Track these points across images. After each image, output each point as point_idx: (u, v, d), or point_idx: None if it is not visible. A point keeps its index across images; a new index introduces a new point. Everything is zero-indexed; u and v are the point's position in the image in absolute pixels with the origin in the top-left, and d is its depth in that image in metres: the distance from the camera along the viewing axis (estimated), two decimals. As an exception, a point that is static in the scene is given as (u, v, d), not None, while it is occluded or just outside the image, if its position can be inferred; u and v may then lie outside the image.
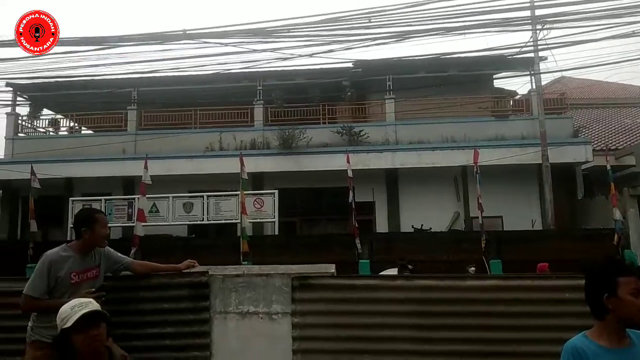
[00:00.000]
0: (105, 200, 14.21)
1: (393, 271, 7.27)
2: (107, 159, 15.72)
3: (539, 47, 14.07)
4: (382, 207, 15.57)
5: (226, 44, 11.69)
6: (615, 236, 10.27)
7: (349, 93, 16.79)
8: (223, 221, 13.70)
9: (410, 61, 15.51)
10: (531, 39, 14.02)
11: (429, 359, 3.44)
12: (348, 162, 12.19)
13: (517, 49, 14.29)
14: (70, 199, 14.38)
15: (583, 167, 15.20)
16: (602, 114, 20.95)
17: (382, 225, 15.32)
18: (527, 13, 13.20)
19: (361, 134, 15.64)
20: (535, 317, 3.44)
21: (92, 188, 15.73)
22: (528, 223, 14.30)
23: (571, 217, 14.75)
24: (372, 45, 11.62)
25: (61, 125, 19.04)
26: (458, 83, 15.34)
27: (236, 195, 12.50)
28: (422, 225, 14.24)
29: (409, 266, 7.49)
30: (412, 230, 14.22)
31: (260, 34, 11.44)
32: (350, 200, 11.66)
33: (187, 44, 11.10)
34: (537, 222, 14.50)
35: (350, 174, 12.02)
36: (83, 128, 19.31)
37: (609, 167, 11.23)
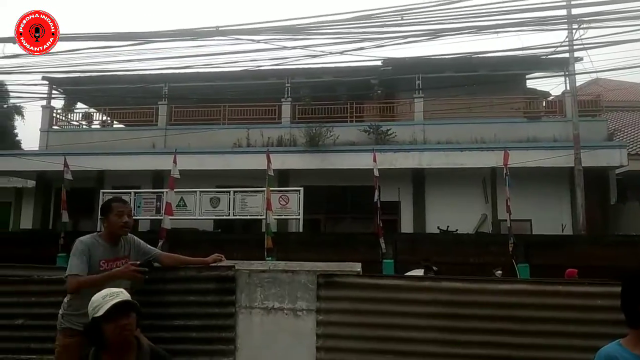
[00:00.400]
0: (135, 193, 14.51)
1: (418, 272, 7.20)
2: (138, 153, 16.02)
3: (575, 47, 13.70)
4: (408, 207, 15.44)
5: (257, 41, 11.75)
6: (651, 243, 9.94)
7: (377, 92, 16.69)
8: (248, 217, 13.84)
9: (440, 60, 15.31)
10: (566, 39, 13.66)
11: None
12: (374, 160, 12.13)
13: (552, 49, 13.94)
14: (101, 191, 14.75)
15: (617, 171, 14.75)
16: (638, 117, 20.27)
17: (407, 225, 15.20)
18: (563, 12, 12.87)
19: (388, 133, 15.54)
20: (565, 323, 3.37)
21: (123, 181, 16.08)
22: (558, 227, 13.97)
23: (603, 223, 14.33)
24: (403, 43, 11.50)
25: (94, 119, 19.54)
26: (489, 83, 15.07)
27: (262, 191, 12.60)
28: (448, 226, 14.06)
29: (434, 267, 7.41)
30: (438, 231, 14.05)
31: (291, 31, 11.46)
32: (375, 200, 11.61)
33: (220, 40, 11.20)
34: (567, 227, 14.15)
35: (376, 173, 11.96)
36: (115, 122, 19.78)
37: (645, 173, 10.87)
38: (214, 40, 11.30)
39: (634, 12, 9.94)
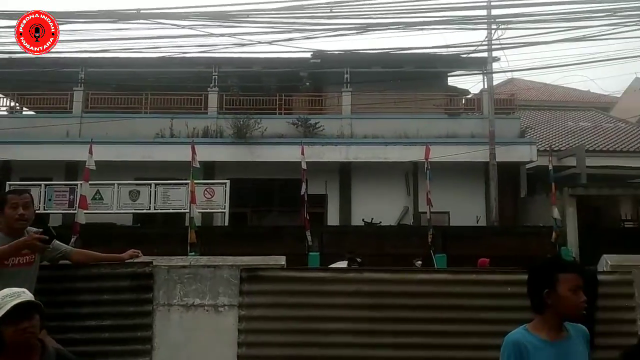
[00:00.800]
0: (45, 185, 13.51)
1: (342, 264, 7.32)
2: (49, 142, 14.90)
3: (493, 47, 14.52)
4: (334, 200, 15.66)
5: (182, 26, 11.34)
6: (553, 234, 10.80)
7: (306, 84, 16.70)
8: (171, 210, 13.34)
9: (368, 55, 15.60)
10: (486, 39, 14.42)
11: (379, 351, 3.47)
12: (302, 153, 12.16)
13: (473, 48, 14.68)
14: (8, 183, 13.56)
15: (527, 166, 15.84)
16: (548, 115, 21.91)
17: (333, 218, 15.41)
18: (484, 12, 13.57)
19: (317, 126, 15.61)
20: (478, 310, 3.54)
21: (33, 172, 14.89)
22: (473, 219, 14.80)
23: (514, 215, 15.37)
24: (333, 36, 11.60)
25: (1, 104, 17.90)
26: (413, 79, 15.59)
27: (186, 184, 12.20)
28: (372, 219, 14.44)
29: (358, 259, 7.57)
30: (363, 223, 14.39)
31: (219, 17, 11.17)
32: (302, 192, 11.64)
33: (141, 24, 10.68)
34: (482, 219, 15.01)
35: (304, 165, 12.00)
36: (25, 108, 18.23)
37: (550, 168, 11.78)
38: (135, 23, 10.76)
39: (547, 15, 10.70)
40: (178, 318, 3.40)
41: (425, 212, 11.72)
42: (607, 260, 3.98)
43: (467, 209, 14.84)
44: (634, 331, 3.44)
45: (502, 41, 14.39)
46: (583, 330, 2.38)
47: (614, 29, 10.63)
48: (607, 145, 17.39)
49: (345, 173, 15.80)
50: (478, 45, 14.75)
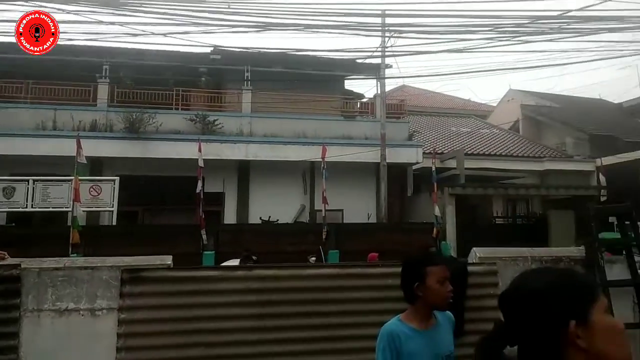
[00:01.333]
0: None
1: (234, 262, 7.27)
2: None
3: (386, 54, 15.30)
4: (232, 198, 15.47)
5: (67, 11, 10.48)
6: (434, 230, 11.70)
7: (203, 79, 16.27)
8: (51, 209, 12.25)
9: (269, 54, 15.60)
10: (380, 46, 15.15)
11: (269, 347, 3.51)
12: (200, 150, 11.85)
13: (369, 54, 15.33)
14: None
15: (414, 167, 16.89)
16: (433, 121, 23.56)
17: (230, 216, 15.22)
18: (379, 20, 14.22)
19: (215, 123, 15.30)
20: (364, 302, 3.71)
21: None
22: (365, 216, 15.48)
23: (401, 212, 16.34)
24: (232, 32, 11.42)
25: None
26: (313, 81, 15.89)
27: (69, 180, 11.29)
28: (269, 217, 14.49)
29: (254, 257, 7.54)
30: (260, 221, 14.38)
31: (109, 4, 10.50)
32: (198, 190, 11.35)
33: (21, 5, 9.70)
34: (373, 216, 15.76)
35: (201, 163, 11.70)
36: None
37: (433, 169, 12.72)
38: (14, 4, 9.74)
39: (435, 27, 11.51)
40: (49, 324, 3.16)
41: (321, 210, 12.03)
42: (476, 253, 4.39)
43: (359, 207, 15.49)
44: (498, 317, 3.83)
45: (394, 49, 15.25)
46: (450, 316, 2.63)
47: (489, 42, 11.73)
48: (484, 149, 19.08)
49: (243, 171, 15.67)
50: (373, 52, 15.45)
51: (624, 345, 1.23)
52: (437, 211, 11.86)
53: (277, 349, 3.49)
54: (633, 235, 4.66)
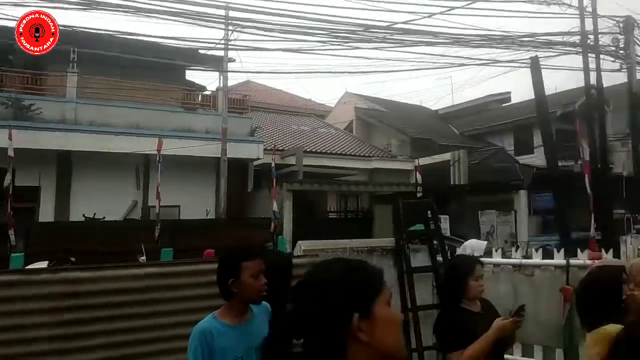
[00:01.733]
0: None
1: (42, 264, 6.52)
2: None
3: (229, 48, 15.08)
4: (50, 193, 13.84)
5: None
6: (272, 224, 12.02)
7: (10, 57, 14.20)
8: None
9: (101, 35, 14.19)
10: (223, 39, 14.87)
11: (76, 356, 3.22)
12: (10, 138, 10.36)
13: (212, 45, 14.91)
14: None
15: (255, 163, 17.09)
16: (275, 118, 24.10)
17: (48, 213, 13.60)
18: (218, 12, 13.94)
19: (32, 108, 13.51)
20: (193, 300, 3.61)
21: None
22: (204, 212, 15.19)
23: (241, 207, 16.40)
24: (50, 6, 10.10)
25: None
26: (151, 69, 14.99)
27: None
28: (94, 214, 13.32)
29: (72, 259, 6.89)
30: (84, 219, 13.14)
31: None
32: (6, 185, 9.91)
33: None
34: (212, 212, 15.54)
35: (10, 153, 10.23)
36: None
37: (273, 165, 13.02)
38: None
39: (274, 25, 11.71)
40: None
41: (155, 206, 11.46)
42: (301, 246, 4.61)
43: (198, 203, 15.14)
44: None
45: (237, 43, 15.12)
46: (266, 307, 2.69)
47: (323, 45, 12.37)
48: (321, 147, 20.14)
49: (64, 163, 14.12)
50: (216, 44, 15.12)
51: (399, 336, 1.29)
52: (275, 206, 12.17)
53: (86, 357, 3.22)
54: (434, 226, 5.37)
